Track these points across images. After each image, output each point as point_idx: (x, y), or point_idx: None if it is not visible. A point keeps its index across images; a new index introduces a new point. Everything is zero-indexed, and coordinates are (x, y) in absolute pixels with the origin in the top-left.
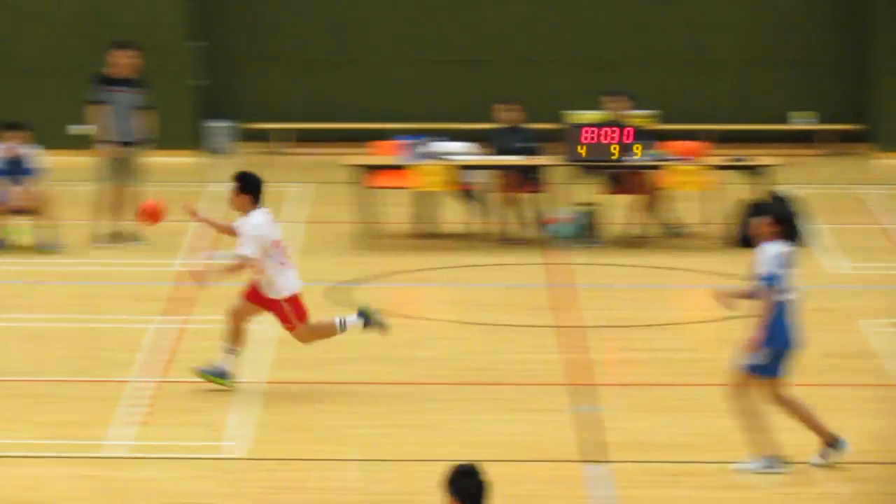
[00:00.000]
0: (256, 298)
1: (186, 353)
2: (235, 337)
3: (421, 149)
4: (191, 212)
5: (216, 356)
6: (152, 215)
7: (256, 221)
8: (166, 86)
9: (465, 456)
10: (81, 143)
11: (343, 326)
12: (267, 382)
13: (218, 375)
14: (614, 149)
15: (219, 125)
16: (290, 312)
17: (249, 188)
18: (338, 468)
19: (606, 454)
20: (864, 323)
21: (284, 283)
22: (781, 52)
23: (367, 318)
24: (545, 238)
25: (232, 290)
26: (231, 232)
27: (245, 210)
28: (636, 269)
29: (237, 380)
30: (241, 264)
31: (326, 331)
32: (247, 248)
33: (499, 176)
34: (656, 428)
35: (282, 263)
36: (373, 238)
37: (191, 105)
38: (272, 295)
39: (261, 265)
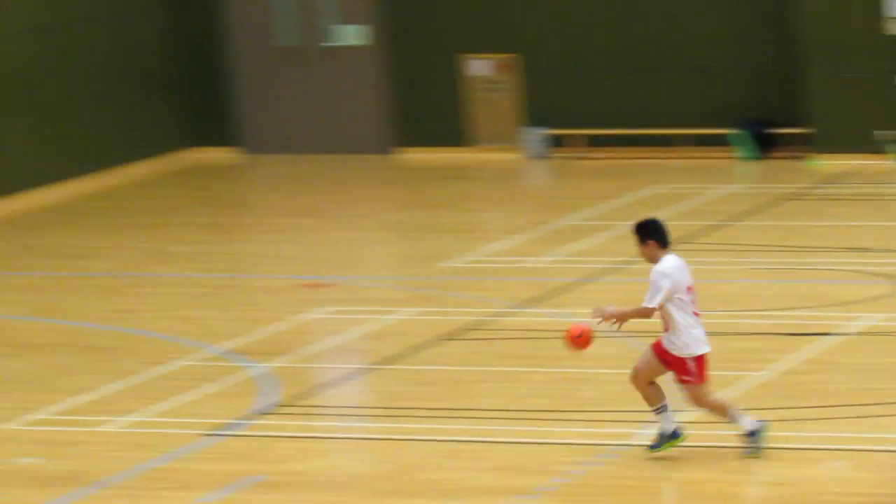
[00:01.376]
0: (661, 353)
1: None
2: (654, 397)
3: None
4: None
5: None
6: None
7: (664, 267)
8: None
9: None
10: None
11: (733, 419)
12: None
13: (670, 439)
14: None
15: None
16: (694, 371)
17: (649, 234)
18: None
19: None
20: None
21: (691, 341)
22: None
23: (754, 437)
24: None
25: None
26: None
27: (655, 258)
28: None
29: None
30: (647, 313)
31: (718, 409)
32: (652, 299)
33: None
34: None
35: (694, 314)
36: None
37: None
38: (676, 352)
39: (667, 318)
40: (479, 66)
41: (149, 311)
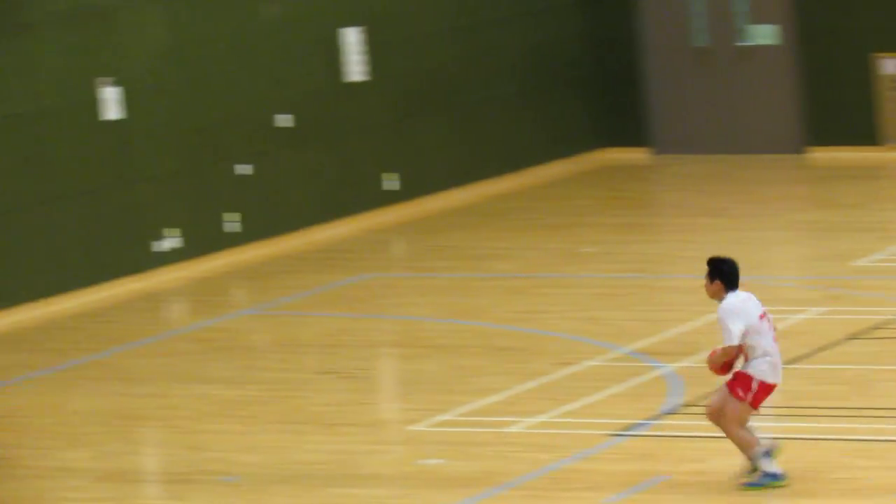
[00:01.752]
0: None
1: None
2: (746, 444)
3: None
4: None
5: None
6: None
7: (728, 304)
8: None
9: None
10: None
11: (755, 460)
12: None
13: (771, 480)
14: None
15: None
16: (754, 392)
17: (720, 275)
18: None
19: None
20: None
21: (768, 368)
22: None
23: (768, 478)
24: None
25: None
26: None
27: (718, 297)
28: None
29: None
30: (731, 351)
31: (744, 443)
32: (731, 338)
33: None
34: None
35: (775, 340)
36: None
37: None
38: (748, 371)
39: (747, 350)
40: (892, 65)
41: (556, 312)
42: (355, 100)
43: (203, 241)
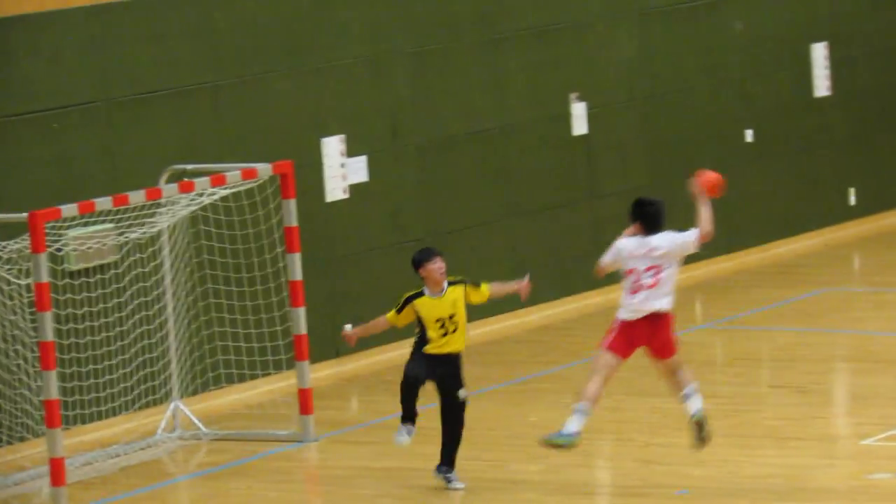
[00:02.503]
0: None
1: None
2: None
3: None
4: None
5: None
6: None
7: (619, 242)
8: None
9: None
10: None
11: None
12: None
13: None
14: None
15: None
16: (609, 330)
17: (640, 217)
18: None
19: None
20: None
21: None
22: None
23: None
24: None
25: None
26: None
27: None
28: None
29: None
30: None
31: (590, 385)
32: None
33: None
34: None
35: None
36: None
37: None
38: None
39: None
40: None
41: None
42: (819, 115)
43: None
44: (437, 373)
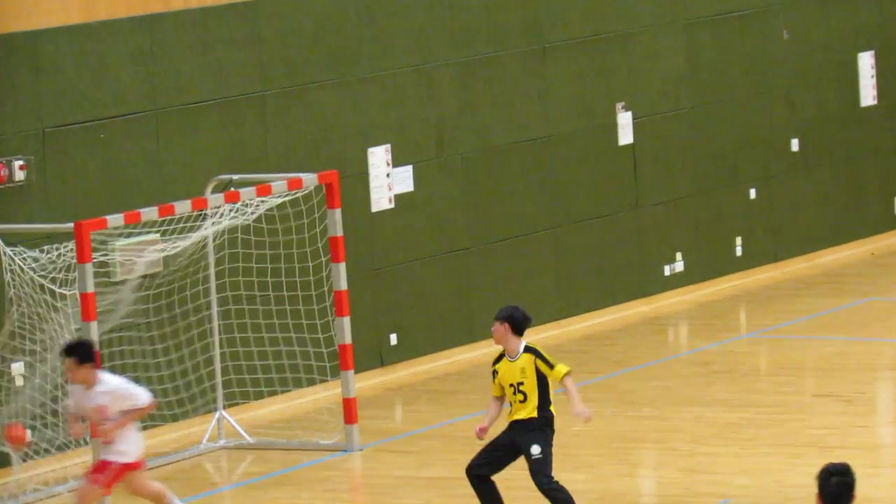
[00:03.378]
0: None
1: None
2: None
3: None
4: None
5: None
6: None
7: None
8: None
9: None
10: None
11: None
12: None
13: None
14: None
15: None
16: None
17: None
18: None
19: None
20: None
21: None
22: None
23: None
24: None
25: None
26: None
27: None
28: None
29: None
30: None
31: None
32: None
33: None
34: None
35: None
36: None
37: None
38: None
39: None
40: None
41: None
42: (865, 124)
43: (708, 265)
44: (516, 441)
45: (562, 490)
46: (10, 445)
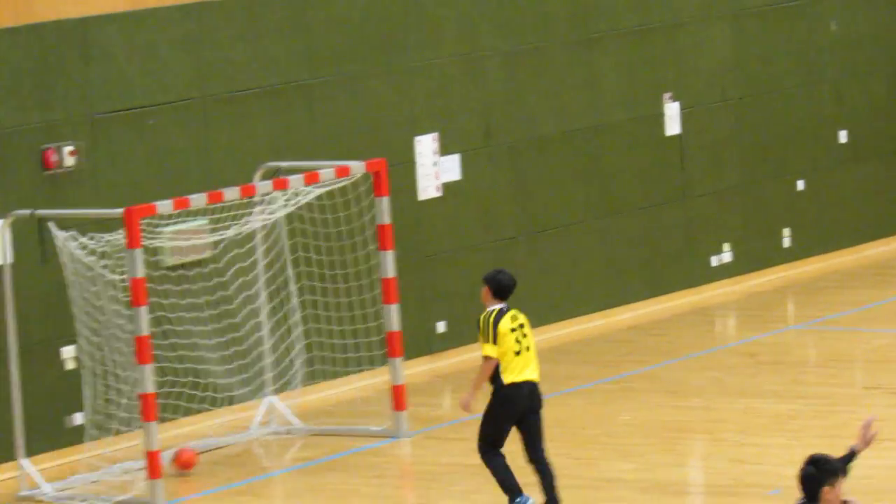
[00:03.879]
0: None
1: None
2: None
3: None
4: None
5: None
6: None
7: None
8: None
9: None
10: None
11: None
12: None
13: None
14: None
15: None
16: None
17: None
18: None
19: None
20: None
21: None
22: None
23: None
24: None
25: None
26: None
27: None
28: None
29: None
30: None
31: None
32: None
33: None
34: None
35: None
36: None
37: None
38: None
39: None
40: None
41: None
42: None
43: (756, 257)
44: None
45: (490, 463)
46: (178, 469)
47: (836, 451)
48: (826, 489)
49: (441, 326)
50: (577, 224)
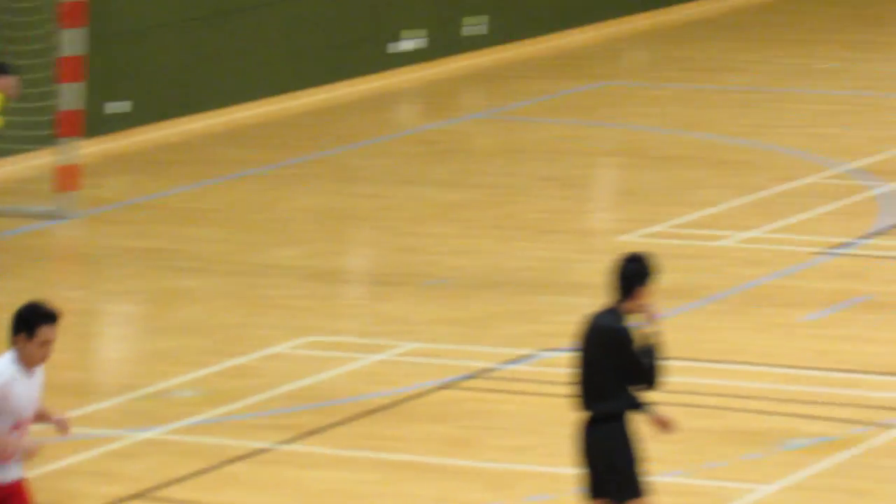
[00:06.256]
0: None
1: None
2: None
3: None
4: None
5: None
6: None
7: None
8: None
9: None
10: None
11: None
12: None
13: None
14: None
15: None
16: None
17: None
18: None
19: None
20: None
21: None
22: None
23: None
24: None
25: None
26: None
27: None
28: None
29: None
30: None
31: None
32: None
33: None
34: None
35: None
36: None
37: None
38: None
39: None
40: None
41: (782, 127)
42: None
43: (440, 44)
44: None
45: None
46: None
47: (506, 242)
48: (641, 288)
49: (115, 106)
50: (263, 7)
